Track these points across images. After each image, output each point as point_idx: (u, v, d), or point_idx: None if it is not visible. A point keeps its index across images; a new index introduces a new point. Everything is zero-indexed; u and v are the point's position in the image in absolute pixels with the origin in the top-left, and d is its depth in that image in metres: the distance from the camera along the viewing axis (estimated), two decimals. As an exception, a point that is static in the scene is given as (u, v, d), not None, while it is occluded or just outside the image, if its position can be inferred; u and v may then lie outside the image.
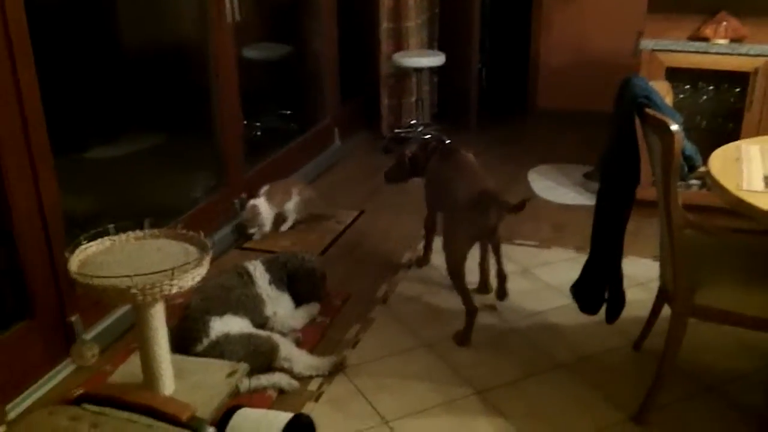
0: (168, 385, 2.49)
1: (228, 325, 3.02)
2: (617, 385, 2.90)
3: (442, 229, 3.37)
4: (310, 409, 2.83)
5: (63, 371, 3.05)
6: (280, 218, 4.31)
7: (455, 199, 3.23)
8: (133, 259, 2.38)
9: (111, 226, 2.50)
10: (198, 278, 2.31)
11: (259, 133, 5.48)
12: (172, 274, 2.20)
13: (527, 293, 3.57)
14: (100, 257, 2.40)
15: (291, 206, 4.29)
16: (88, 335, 3.15)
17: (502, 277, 3.50)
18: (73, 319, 3.09)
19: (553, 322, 3.33)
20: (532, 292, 3.60)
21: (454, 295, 3.29)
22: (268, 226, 4.19)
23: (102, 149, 4.09)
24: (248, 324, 3.13)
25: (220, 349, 2.91)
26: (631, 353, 3.10)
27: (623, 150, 2.63)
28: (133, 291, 2.17)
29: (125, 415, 1.99)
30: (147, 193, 4.15)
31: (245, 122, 5.34)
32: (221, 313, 3.05)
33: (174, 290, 2.24)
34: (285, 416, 2.38)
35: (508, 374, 2.99)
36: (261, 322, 3.21)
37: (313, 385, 2.96)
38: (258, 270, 3.34)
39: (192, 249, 2.45)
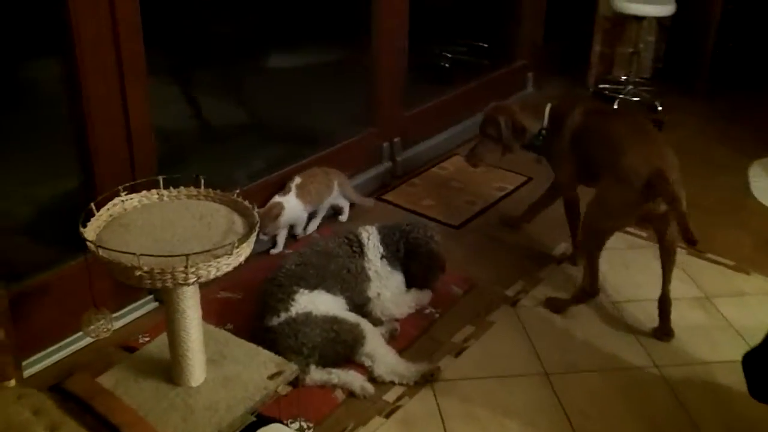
0: (196, 375, 2.07)
1: (314, 302, 2.56)
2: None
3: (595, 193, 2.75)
4: (376, 425, 2.33)
5: (131, 314, 2.76)
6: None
7: (620, 164, 2.58)
8: (166, 226, 1.93)
9: (161, 177, 2.07)
10: (226, 269, 1.82)
11: (446, 65, 4.89)
12: (187, 261, 1.73)
13: (698, 331, 2.77)
14: (130, 216, 1.97)
15: (328, 201, 3.35)
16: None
17: (664, 303, 2.74)
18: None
19: (718, 382, 2.53)
20: (706, 330, 2.79)
21: (606, 315, 2.68)
22: (286, 230, 3.24)
23: (261, 59, 3.72)
24: (342, 304, 2.66)
25: (296, 328, 2.46)
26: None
27: None
28: (139, 273, 1.73)
29: (86, 429, 1.60)
30: (293, 115, 3.75)
31: (437, 50, 4.82)
32: (312, 286, 2.60)
33: (191, 279, 1.77)
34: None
35: (633, 443, 2.29)
36: (361, 302, 2.73)
37: (391, 395, 2.45)
38: (372, 240, 2.83)
39: (239, 225, 1.96)
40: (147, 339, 2.58)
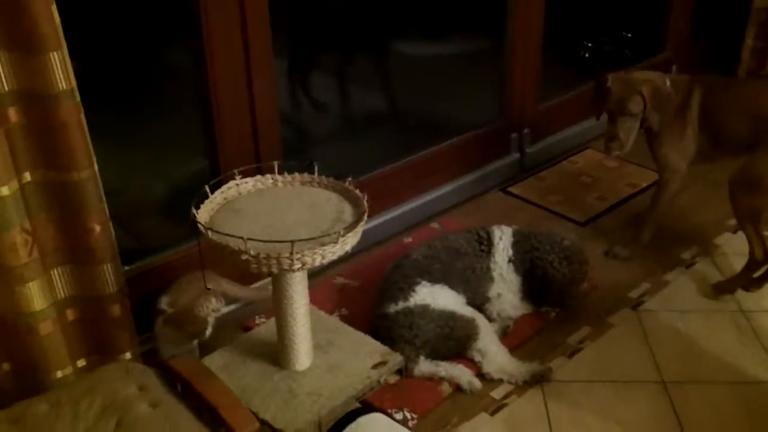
0: (302, 360, 2.12)
1: (434, 296, 2.54)
2: None
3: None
4: (481, 422, 2.30)
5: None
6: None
7: None
8: (276, 212, 1.98)
9: (276, 163, 2.12)
10: (331, 257, 1.84)
11: (587, 54, 4.73)
12: (292, 247, 1.76)
13: None
14: (244, 201, 2.03)
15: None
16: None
17: None
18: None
19: None
20: None
21: (736, 324, 2.56)
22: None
23: (409, 45, 3.73)
24: (462, 302, 2.62)
25: (411, 319, 2.45)
26: None
27: None
28: (245, 257, 1.78)
29: (186, 407, 1.66)
30: (423, 104, 3.75)
31: (580, 40, 4.67)
32: (435, 280, 2.58)
33: (296, 266, 1.81)
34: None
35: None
36: (480, 302, 2.69)
37: (498, 392, 2.41)
38: (504, 242, 2.75)
39: (348, 214, 1.97)
40: (263, 320, 2.66)
